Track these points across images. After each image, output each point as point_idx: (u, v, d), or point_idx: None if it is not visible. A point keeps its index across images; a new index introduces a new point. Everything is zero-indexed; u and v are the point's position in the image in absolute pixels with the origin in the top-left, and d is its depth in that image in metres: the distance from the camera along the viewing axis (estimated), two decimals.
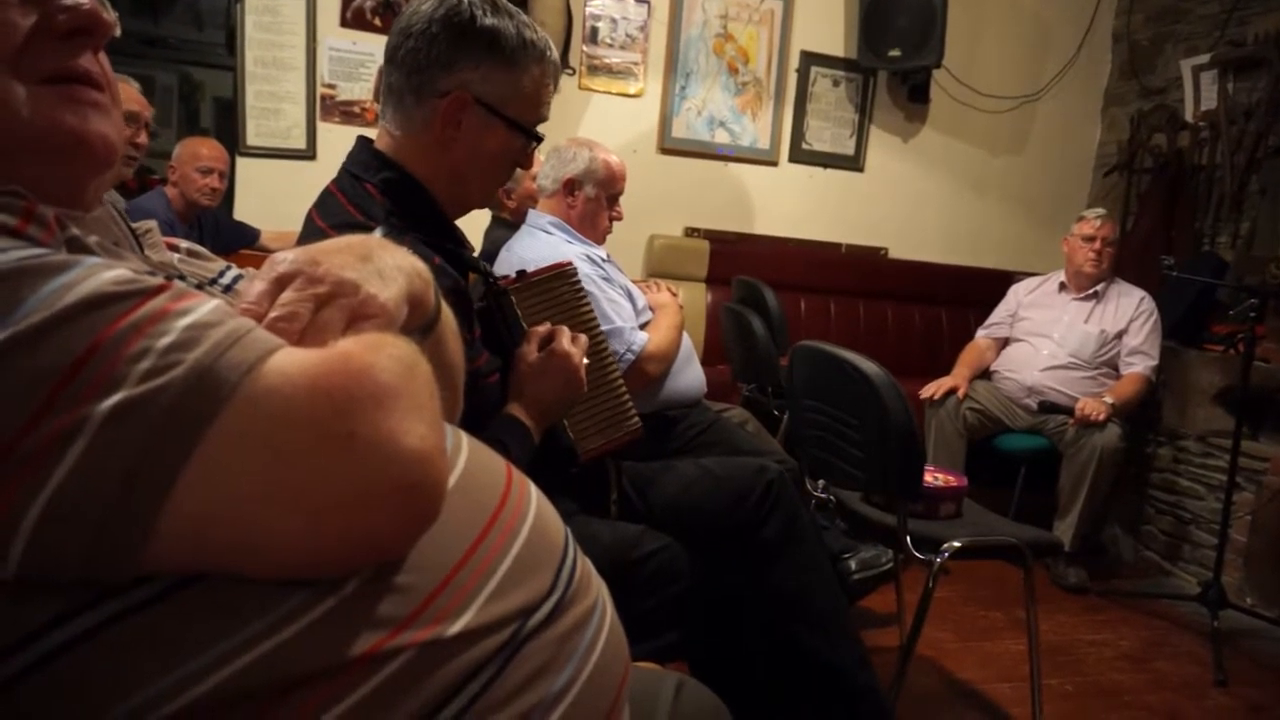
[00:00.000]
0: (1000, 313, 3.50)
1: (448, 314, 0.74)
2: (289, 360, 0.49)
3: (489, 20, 1.18)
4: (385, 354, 0.53)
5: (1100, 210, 3.33)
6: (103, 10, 0.61)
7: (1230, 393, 3.03)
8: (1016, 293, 3.50)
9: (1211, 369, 3.18)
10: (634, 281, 2.28)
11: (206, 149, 3.16)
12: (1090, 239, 3.23)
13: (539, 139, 1.27)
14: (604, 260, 2.18)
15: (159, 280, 0.51)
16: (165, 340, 0.47)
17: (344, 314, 0.57)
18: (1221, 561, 2.65)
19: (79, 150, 0.60)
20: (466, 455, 0.64)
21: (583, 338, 1.31)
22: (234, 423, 0.46)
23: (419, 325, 0.67)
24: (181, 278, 0.69)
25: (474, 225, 2.23)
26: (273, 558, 0.49)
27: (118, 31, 0.62)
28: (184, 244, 0.78)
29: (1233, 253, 3.49)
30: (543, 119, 1.28)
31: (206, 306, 0.50)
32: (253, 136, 3.48)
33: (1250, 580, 2.89)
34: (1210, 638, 2.49)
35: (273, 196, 3.45)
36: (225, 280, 0.78)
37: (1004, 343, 3.43)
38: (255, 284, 0.58)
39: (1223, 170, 3.56)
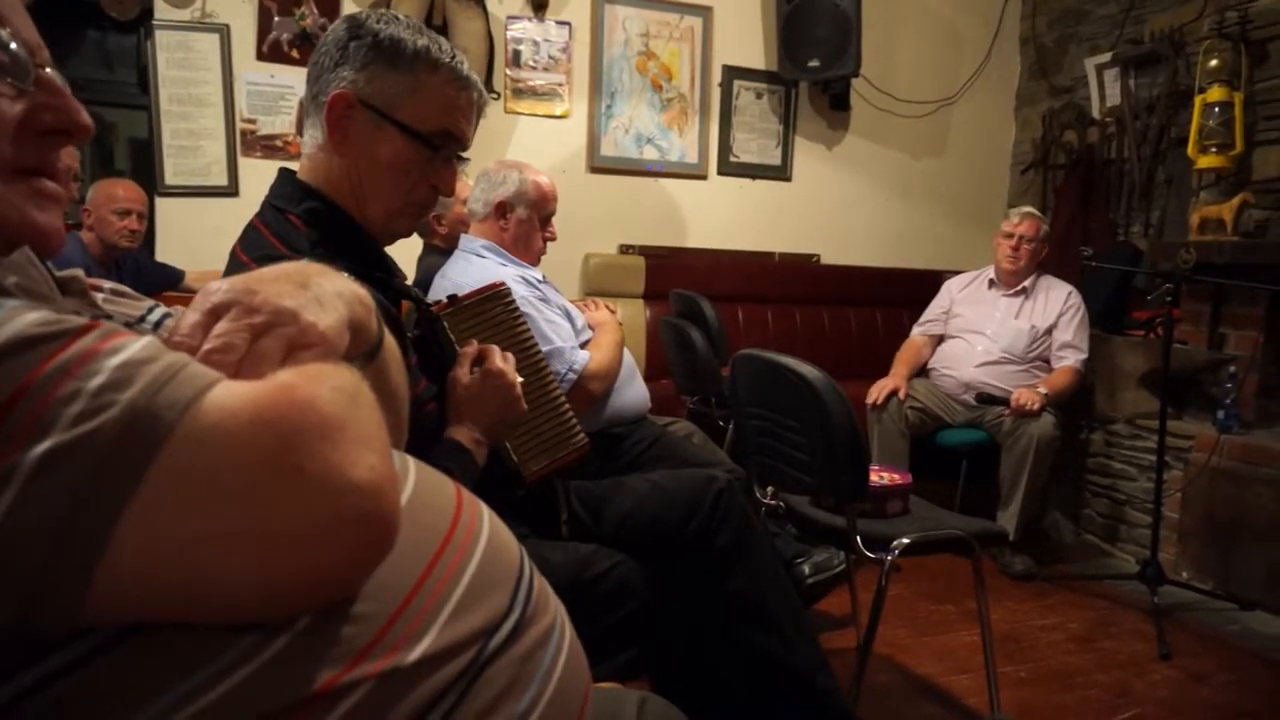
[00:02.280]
0: (934, 309, 3.57)
1: (390, 341, 0.73)
2: (229, 394, 0.48)
3: (380, 26, 1.17)
4: (328, 385, 0.52)
5: (1024, 209, 3.41)
6: (84, 114, 0.62)
7: (1154, 375, 3.15)
8: (950, 289, 3.58)
9: (1135, 353, 3.30)
10: (572, 301, 2.28)
11: (123, 190, 3.07)
12: (1008, 236, 3.33)
13: (436, 146, 1.21)
14: (540, 281, 2.17)
15: (85, 320, 0.49)
16: (96, 381, 0.45)
17: (282, 344, 0.56)
18: (1157, 539, 2.74)
19: (39, 243, 0.62)
20: (414, 478, 0.63)
21: (510, 356, 1.30)
22: (174, 463, 0.45)
23: (361, 352, 0.66)
24: (108, 318, 0.66)
25: (407, 253, 2.20)
26: (223, 602, 0.47)
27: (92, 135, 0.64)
28: (108, 284, 0.76)
29: (1146, 241, 3.64)
30: (448, 131, 1.21)
31: (138, 344, 0.48)
32: (171, 175, 3.40)
33: (1185, 555, 3.00)
34: (1152, 614, 2.57)
35: (196, 236, 3.36)
36: (153, 319, 0.75)
37: (939, 339, 3.50)
38: (189, 315, 0.57)
39: (1131, 163, 3.71)
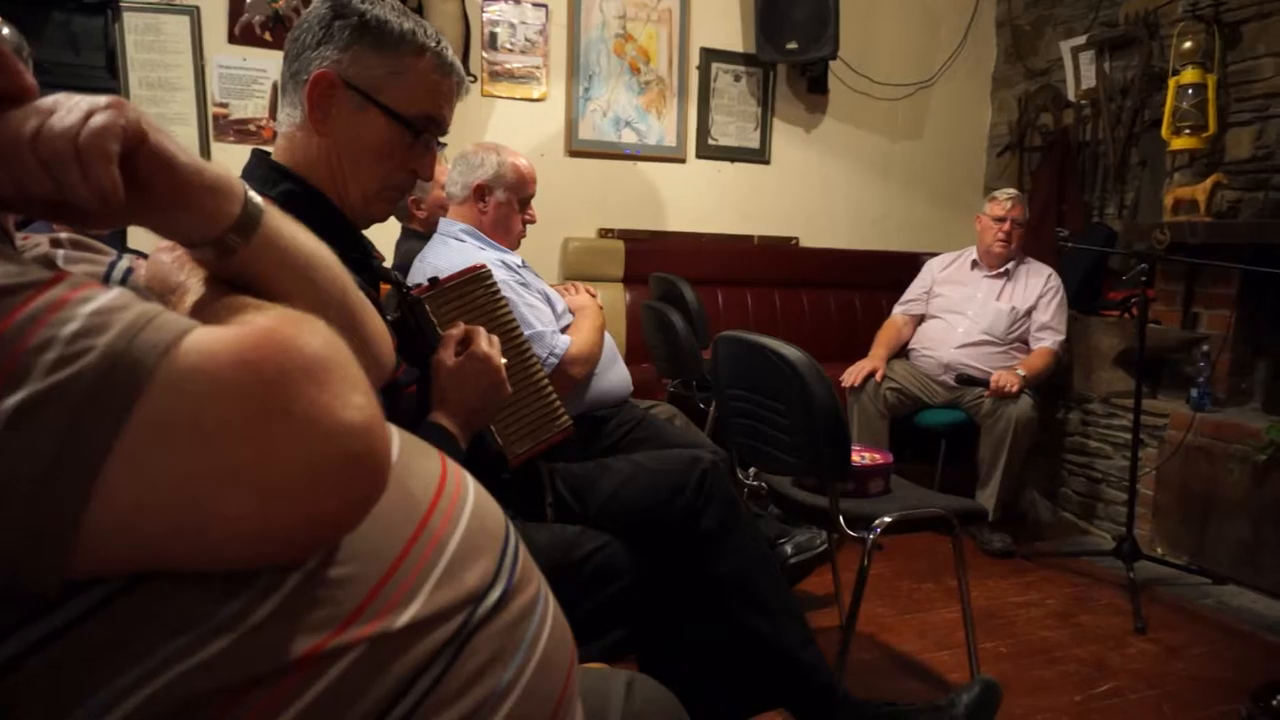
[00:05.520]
0: (915, 289, 3.57)
1: (354, 287, 0.71)
2: (209, 337, 0.47)
3: (366, 6, 1.15)
4: (307, 327, 0.51)
5: (1011, 191, 3.40)
6: (25, 75, 0.56)
7: (1129, 354, 3.18)
8: (931, 269, 3.58)
9: (1110, 333, 3.34)
10: (551, 285, 2.26)
11: None
12: (1000, 219, 3.32)
13: (418, 131, 1.19)
14: (519, 266, 2.15)
15: (52, 273, 0.48)
16: (70, 327, 0.44)
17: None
18: (1133, 516, 2.78)
19: None
20: (399, 445, 0.62)
21: (495, 338, 1.29)
22: (157, 406, 0.44)
23: (231, 226, 0.67)
24: None
25: (385, 237, 2.18)
26: (216, 545, 0.46)
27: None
28: (66, 235, 0.75)
29: (1120, 222, 3.67)
30: (430, 116, 1.20)
31: (109, 293, 0.47)
32: None
33: (1160, 531, 3.04)
34: (1128, 589, 2.61)
35: None
36: (116, 275, 0.74)
37: (920, 319, 3.51)
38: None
39: (1105, 145, 3.74)
